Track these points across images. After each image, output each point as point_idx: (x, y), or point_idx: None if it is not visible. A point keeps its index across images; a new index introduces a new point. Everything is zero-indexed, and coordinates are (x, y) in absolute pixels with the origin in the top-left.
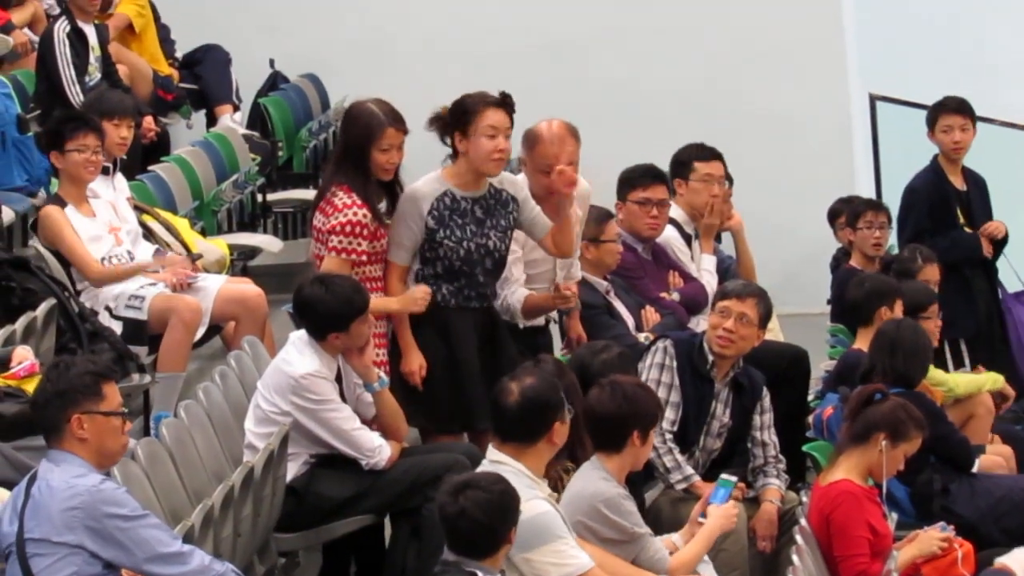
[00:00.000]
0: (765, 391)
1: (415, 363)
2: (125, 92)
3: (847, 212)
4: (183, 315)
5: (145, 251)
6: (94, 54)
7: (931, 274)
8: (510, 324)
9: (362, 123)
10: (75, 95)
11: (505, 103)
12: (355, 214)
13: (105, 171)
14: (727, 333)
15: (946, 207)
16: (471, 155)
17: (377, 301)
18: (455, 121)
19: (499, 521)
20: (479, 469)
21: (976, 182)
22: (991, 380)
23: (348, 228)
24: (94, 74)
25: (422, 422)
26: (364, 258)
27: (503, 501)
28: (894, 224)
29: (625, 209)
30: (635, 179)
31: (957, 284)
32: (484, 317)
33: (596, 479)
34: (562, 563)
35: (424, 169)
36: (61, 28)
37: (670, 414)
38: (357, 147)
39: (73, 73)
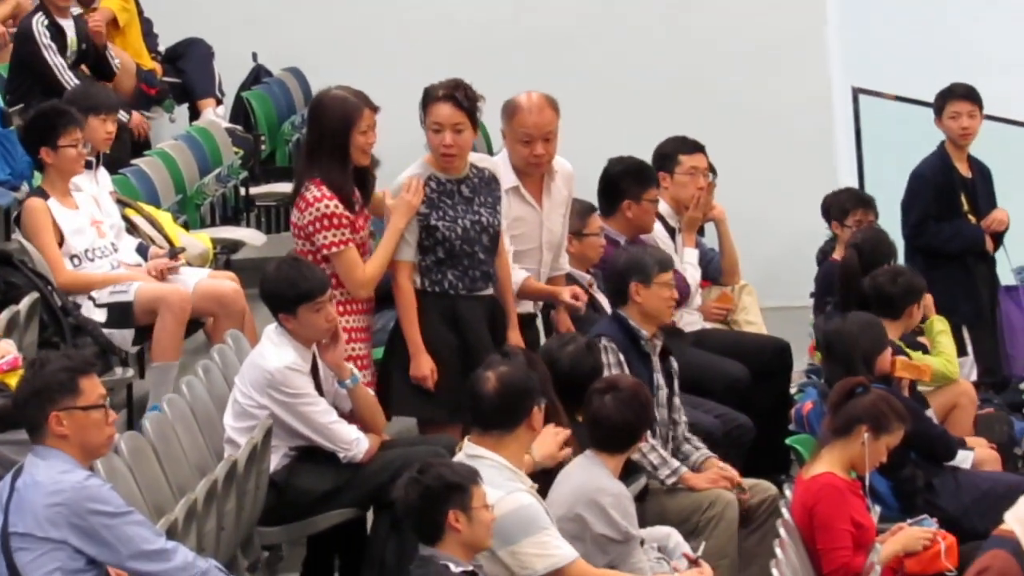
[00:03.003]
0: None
1: (426, 367)
2: (110, 79)
3: (834, 205)
4: (172, 305)
5: (128, 245)
6: (71, 48)
7: None
8: None
9: (337, 110)
10: (68, 82)
11: (452, 96)
12: (326, 207)
13: (88, 165)
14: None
15: (952, 194)
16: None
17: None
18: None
19: (433, 503)
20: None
21: (981, 170)
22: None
23: (325, 222)
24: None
25: (430, 411)
26: (349, 246)
27: (436, 485)
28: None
29: (639, 208)
30: (649, 178)
31: (959, 272)
32: (490, 305)
33: (600, 475)
34: (547, 554)
35: (396, 153)
36: (39, 21)
37: None
38: (335, 135)
39: (63, 61)
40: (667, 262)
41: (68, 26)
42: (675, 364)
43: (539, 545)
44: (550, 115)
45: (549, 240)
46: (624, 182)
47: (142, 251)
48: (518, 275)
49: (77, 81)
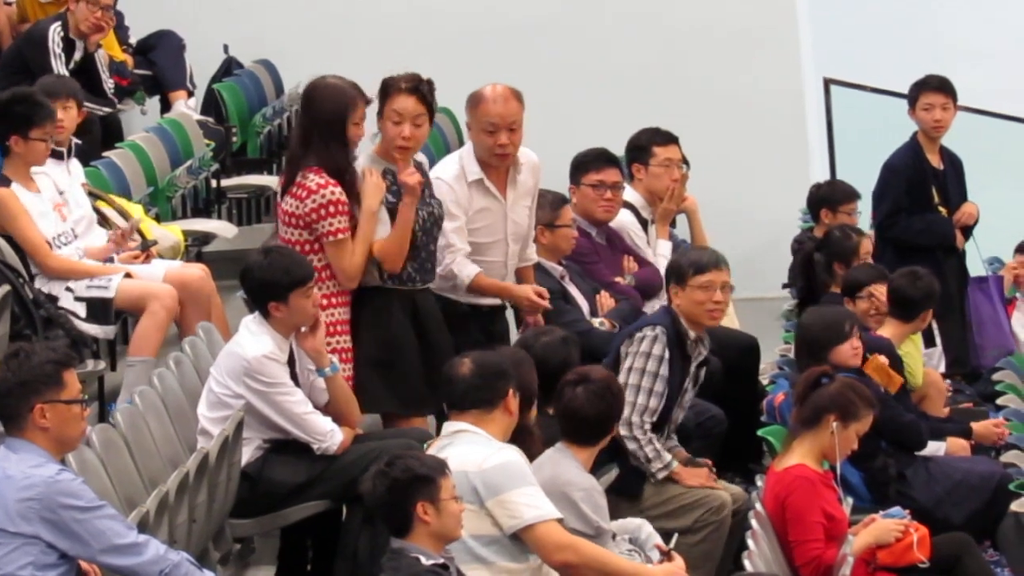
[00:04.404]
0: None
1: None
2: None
3: (826, 195)
4: (164, 301)
5: (99, 237)
6: (73, 65)
7: (867, 247)
8: (470, 306)
9: (335, 98)
10: None
11: (417, 89)
12: (332, 193)
13: (59, 156)
14: (718, 305)
15: (923, 186)
16: (382, 136)
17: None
18: (380, 99)
19: (401, 496)
20: (433, 446)
21: (953, 162)
22: (916, 342)
23: (331, 208)
24: None
25: (396, 404)
26: (348, 235)
27: (404, 477)
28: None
29: (579, 193)
30: (588, 163)
31: (928, 265)
32: (437, 299)
33: (570, 468)
34: (535, 505)
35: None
36: (56, 31)
37: (653, 403)
38: (332, 123)
39: (66, 74)
40: (703, 264)
41: (79, 46)
42: (708, 371)
43: (528, 496)
44: (515, 105)
45: (514, 232)
46: (574, 167)
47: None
48: (469, 269)
49: None
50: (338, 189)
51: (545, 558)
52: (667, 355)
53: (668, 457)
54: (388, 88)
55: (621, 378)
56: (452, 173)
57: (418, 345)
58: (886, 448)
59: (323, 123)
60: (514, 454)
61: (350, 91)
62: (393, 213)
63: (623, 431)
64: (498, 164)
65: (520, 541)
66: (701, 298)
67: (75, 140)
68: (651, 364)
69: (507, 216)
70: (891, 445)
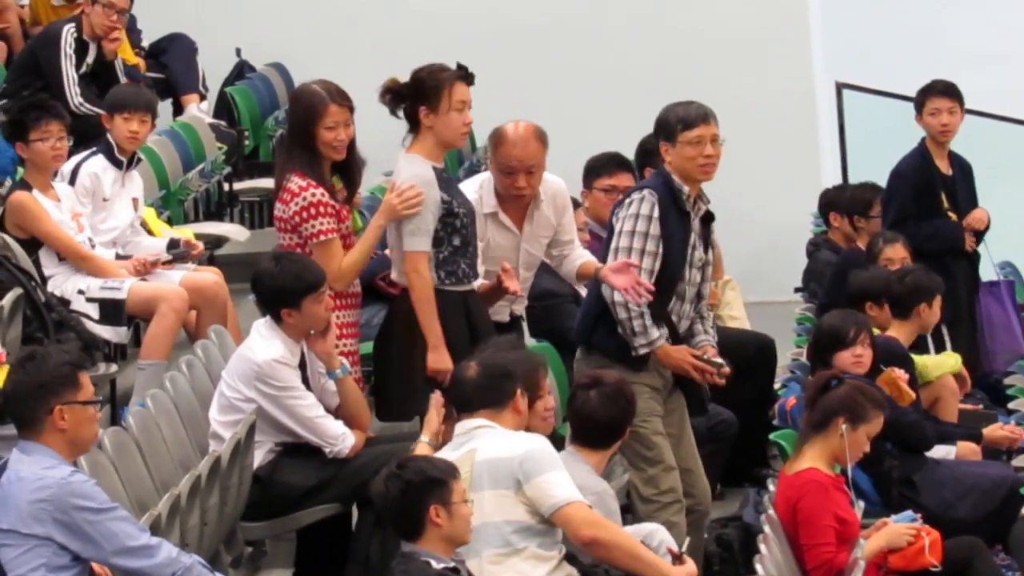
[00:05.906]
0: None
1: (449, 361)
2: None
3: (840, 200)
4: (173, 303)
5: (148, 244)
6: (85, 68)
7: (892, 253)
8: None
9: (305, 103)
10: (74, 95)
11: (471, 76)
12: (312, 195)
13: (119, 164)
14: (709, 159)
15: (931, 192)
16: (438, 129)
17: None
18: (420, 96)
19: (414, 498)
20: (445, 448)
21: (962, 167)
22: (954, 360)
23: (312, 210)
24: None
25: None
26: (335, 236)
27: (417, 480)
28: None
29: (591, 197)
30: (600, 167)
31: (938, 270)
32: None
33: (582, 472)
34: (569, 486)
35: (382, 149)
36: (69, 31)
37: (646, 264)
38: (303, 128)
39: (75, 75)
40: (691, 119)
41: (92, 48)
42: (715, 235)
43: (562, 478)
44: (535, 148)
45: (526, 261)
46: (586, 171)
47: (174, 245)
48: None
49: (81, 96)
50: (319, 191)
51: (574, 533)
52: (657, 214)
53: (654, 335)
54: (442, 80)
55: (614, 243)
56: (471, 200)
57: (471, 348)
58: (891, 451)
59: (294, 128)
60: (544, 441)
61: (320, 94)
62: (450, 221)
63: (617, 297)
64: (515, 203)
65: (550, 532)
66: (692, 153)
67: (139, 155)
68: (640, 224)
69: (520, 247)
70: (897, 447)
